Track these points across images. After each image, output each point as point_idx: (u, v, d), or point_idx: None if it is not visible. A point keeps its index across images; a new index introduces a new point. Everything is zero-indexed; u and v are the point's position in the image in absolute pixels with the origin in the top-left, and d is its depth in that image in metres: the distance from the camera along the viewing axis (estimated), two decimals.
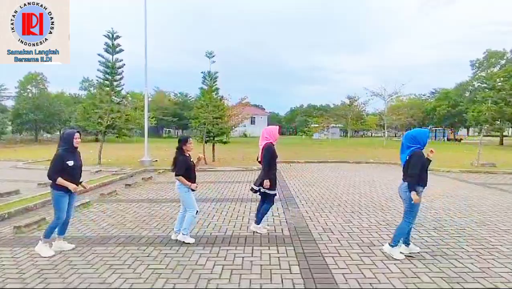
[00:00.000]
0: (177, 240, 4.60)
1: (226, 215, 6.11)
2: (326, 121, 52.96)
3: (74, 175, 4.22)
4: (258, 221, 5.04)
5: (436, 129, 49.53)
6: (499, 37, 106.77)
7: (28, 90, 40.93)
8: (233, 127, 35.09)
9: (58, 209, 4.19)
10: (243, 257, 4.06)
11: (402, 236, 4.08)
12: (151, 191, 8.56)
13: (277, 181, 5.07)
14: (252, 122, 60.44)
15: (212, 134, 15.24)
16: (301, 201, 7.29)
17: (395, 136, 59.68)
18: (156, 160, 15.18)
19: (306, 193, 8.20)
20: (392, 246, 4.05)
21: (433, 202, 7.12)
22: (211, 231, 5.09)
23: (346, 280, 3.44)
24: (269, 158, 4.86)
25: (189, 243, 4.50)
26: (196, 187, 4.71)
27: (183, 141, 4.78)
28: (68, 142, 4.22)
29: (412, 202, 3.90)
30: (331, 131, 55.94)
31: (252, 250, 4.31)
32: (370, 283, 3.37)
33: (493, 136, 42.23)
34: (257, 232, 4.97)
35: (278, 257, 4.05)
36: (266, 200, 5.02)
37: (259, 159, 5.03)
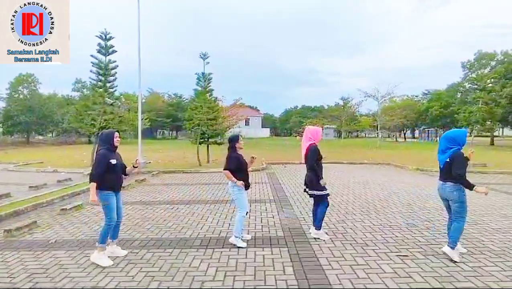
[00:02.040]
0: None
1: (220, 217, 6.09)
2: (320, 122, 53.20)
3: (117, 172, 4.14)
4: (318, 227, 4.81)
5: (428, 130, 50.08)
6: (492, 39, 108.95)
7: (19, 92, 40.41)
8: (228, 128, 35.10)
9: (107, 210, 4.03)
10: (237, 259, 4.05)
11: (460, 235, 4.05)
12: (144, 193, 8.50)
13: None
14: (247, 123, 60.46)
15: (206, 135, 15.20)
16: (295, 202, 7.30)
17: (389, 137, 60.15)
18: (150, 162, 15.07)
19: (300, 194, 8.20)
20: (453, 248, 3.99)
21: (426, 202, 7.18)
22: (205, 233, 5.07)
23: (340, 281, 3.45)
24: (316, 159, 4.77)
25: (235, 246, 4.45)
26: (243, 184, 4.52)
27: (235, 140, 4.69)
28: (108, 142, 4.13)
29: (464, 198, 3.95)
30: (325, 132, 56.17)
31: (246, 251, 4.30)
32: (364, 284, 3.38)
33: (484, 136, 42.82)
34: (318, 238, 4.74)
35: (272, 259, 4.05)
36: (320, 202, 4.79)
37: (303, 161, 4.93)
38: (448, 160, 3.98)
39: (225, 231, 5.20)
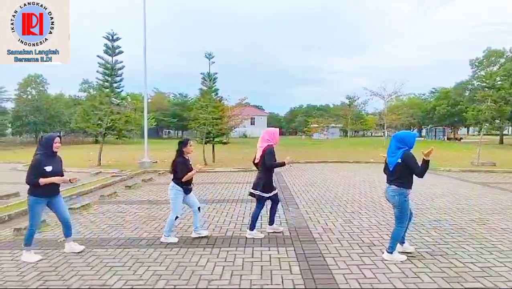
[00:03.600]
0: (194, 238, 4.77)
1: (226, 216, 6.11)
2: (326, 121, 52.99)
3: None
4: (251, 227, 4.85)
5: (436, 129, 49.56)
6: (493, 37, 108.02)
7: (28, 92, 41.01)
8: (233, 128, 35.18)
9: (31, 216, 4.06)
10: (243, 258, 4.06)
11: (398, 240, 4.05)
12: (151, 193, 8.56)
13: (273, 185, 4.93)
14: (252, 122, 60.50)
15: (211, 135, 15.25)
16: (301, 201, 7.29)
17: None
18: (156, 162, 15.19)
19: (306, 194, 8.20)
20: (391, 253, 3.98)
21: (433, 201, 7.11)
22: (211, 232, 5.08)
23: (347, 281, 3.44)
24: (272, 160, 4.76)
25: (176, 243, 4.57)
26: (200, 169, 4.88)
27: (183, 144, 4.78)
28: (47, 146, 4.05)
29: (405, 204, 3.93)
30: (331, 131, 55.97)
31: (253, 251, 4.31)
32: (371, 283, 3.37)
33: (493, 135, 42.23)
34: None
35: (279, 258, 4.05)
36: (259, 204, 4.85)
37: (256, 161, 4.90)
38: (399, 160, 3.93)
39: (231, 230, 5.21)
